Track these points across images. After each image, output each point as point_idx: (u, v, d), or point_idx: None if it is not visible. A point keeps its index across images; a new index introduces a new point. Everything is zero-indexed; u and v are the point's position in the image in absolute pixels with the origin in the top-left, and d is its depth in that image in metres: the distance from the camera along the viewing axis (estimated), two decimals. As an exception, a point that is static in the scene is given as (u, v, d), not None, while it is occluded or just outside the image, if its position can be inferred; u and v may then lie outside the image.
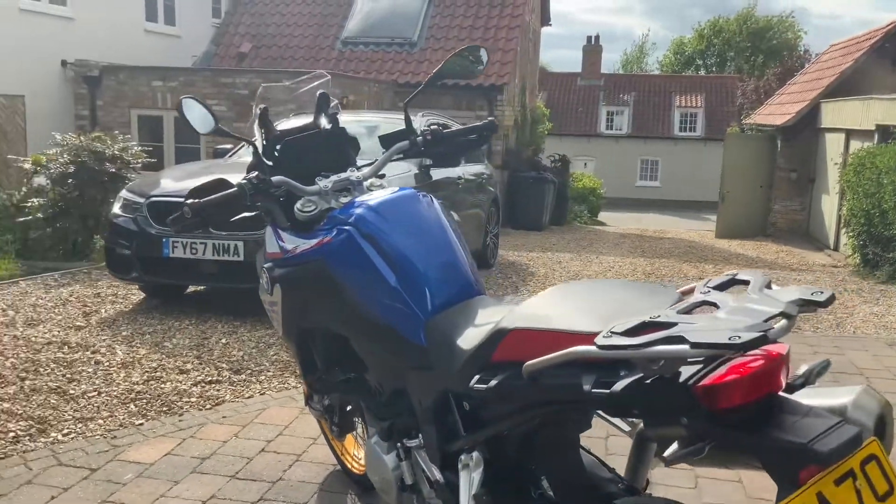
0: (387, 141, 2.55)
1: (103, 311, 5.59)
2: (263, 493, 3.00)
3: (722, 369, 1.30)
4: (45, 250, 7.79)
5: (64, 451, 3.30)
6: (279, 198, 2.37)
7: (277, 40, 16.03)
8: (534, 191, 14.80)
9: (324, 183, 2.40)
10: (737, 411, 1.29)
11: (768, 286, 1.43)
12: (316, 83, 2.75)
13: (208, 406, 3.88)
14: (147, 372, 4.29)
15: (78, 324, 5.19)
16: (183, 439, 3.47)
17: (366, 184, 2.46)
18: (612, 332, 1.35)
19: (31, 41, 11.54)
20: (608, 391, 1.38)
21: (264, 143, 2.52)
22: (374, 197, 2.23)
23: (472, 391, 1.67)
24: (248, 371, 4.39)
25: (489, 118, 2.71)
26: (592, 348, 1.35)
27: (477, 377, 1.67)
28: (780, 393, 1.38)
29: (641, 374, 1.35)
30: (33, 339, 4.77)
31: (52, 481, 3.03)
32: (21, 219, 7.75)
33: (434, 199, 2.28)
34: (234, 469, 3.20)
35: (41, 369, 4.22)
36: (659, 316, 1.36)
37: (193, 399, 3.94)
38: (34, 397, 3.83)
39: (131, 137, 9.99)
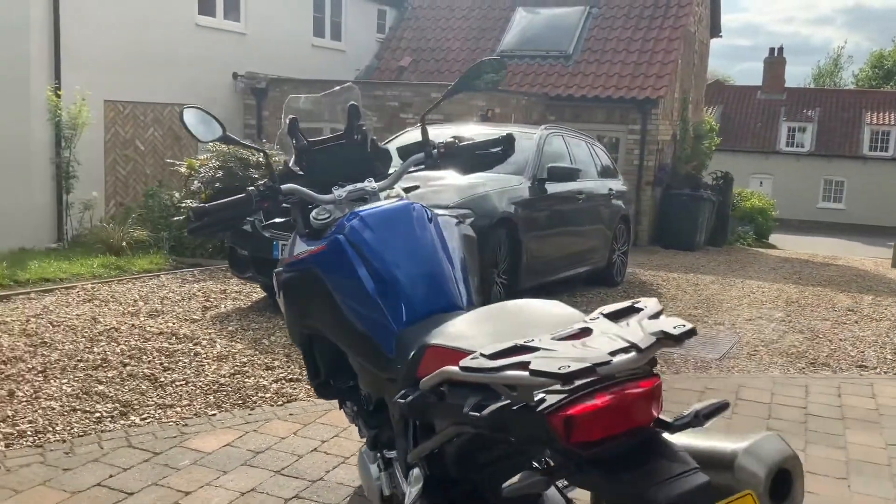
0: (405, 153, 2.57)
1: (222, 306, 5.97)
2: (300, 490, 3.09)
3: (585, 401, 1.22)
4: (194, 248, 8.42)
5: (137, 433, 3.55)
6: (284, 205, 2.43)
7: (436, 54, 16.42)
8: (687, 209, 14.19)
9: (339, 192, 2.45)
10: (600, 446, 1.21)
11: (656, 315, 1.32)
12: (345, 95, 2.80)
13: (280, 402, 4.04)
14: (236, 366, 4.53)
15: (194, 317, 5.57)
16: (245, 432, 3.63)
17: (382, 195, 2.48)
18: (481, 354, 1.30)
19: (205, 54, 12.52)
20: (479, 414, 1.33)
21: (295, 152, 2.60)
22: (369, 207, 2.25)
23: (395, 405, 1.66)
24: (329, 373, 4.52)
25: (507, 133, 2.66)
26: (456, 369, 1.31)
27: (402, 392, 1.65)
28: (665, 434, 1.26)
29: (508, 401, 1.30)
30: (149, 328, 5.17)
31: (117, 461, 3.27)
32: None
33: (430, 211, 2.26)
34: (282, 465, 3.31)
35: (144, 357, 4.58)
36: (532, 340, 1.29)
37: (269, 395, 4.12)
38: (128, 382, 4.16)
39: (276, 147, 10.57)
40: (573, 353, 1.21)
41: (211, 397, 4.05)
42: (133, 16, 11.34)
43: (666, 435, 1.27)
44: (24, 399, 3.82)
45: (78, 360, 4.43)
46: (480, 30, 16.45)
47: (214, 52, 12.75)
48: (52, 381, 4.10)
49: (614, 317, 1.35)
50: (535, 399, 1.27)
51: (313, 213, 2.40)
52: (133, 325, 5.23)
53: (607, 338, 1.25)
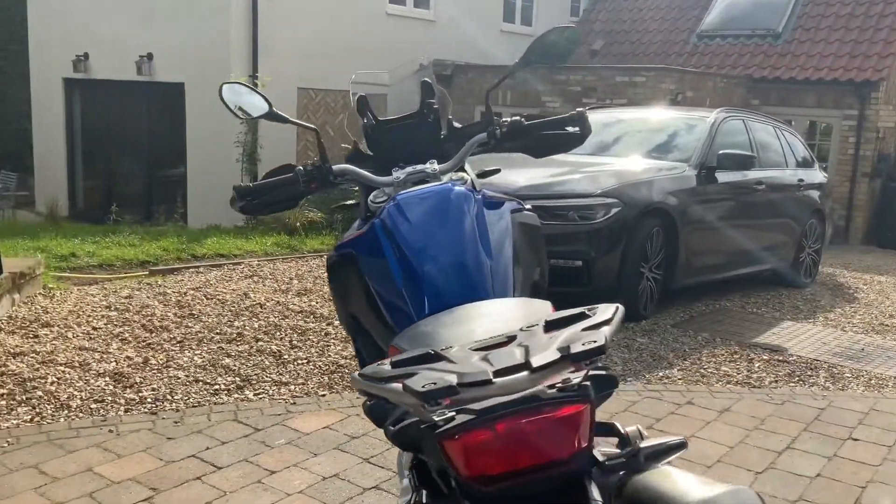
0: (470, 132, 2.37)
1: (369, 288, 6.04)
2: (381, 481, 3.01)
3: (483, 427, 1.00)
4: (362, 229, 8.65)
5: (246, 408, 3.64)
6: (338, 185, 2.32)
7: (630, 36, 15.78)
8: (910, 204, 12.62)
9: (398, 174, 2.30)
10: (504, 482, 0.99)
11: (597, 326, 1.06)
12: (415, 72, 2.64)
13: (391, 389, 3.98)
14: (361, 349, 4.54)
15: (338, 298, 5.68)
16: (348, 416, 3.61)
17: (444, 178, 2.30)
18: (389, 361, 1.11)
19: (395, 42, 12.82)
20: (392, 429, 1.15)
21: (363, 131, 2.49)
22: (409, 191, 2.09)
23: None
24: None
25: (579, 109, 2.36)
26: (357, 377, 1.13)
27: None
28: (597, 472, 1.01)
29: (416, 418, 1.10)
30: (291, 306, 5.33)
31: (218, 434, 3.36)
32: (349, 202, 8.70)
33: (475, 195, 2.05)
34: (371, 453, 3.25)
35: (277, 333, 4.71)
36: (445, 349, 1.08)
37: (382, 381, 4.07)
38: (254, 357, 4.29)
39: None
40: (469, 368, 0.99)
41: (326, 378, 4.08)
42: (326, 6, 11.84)
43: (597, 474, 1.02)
44: (156, 367, 4.04)
45: (216, 333, 4.64)
46: (680, 9, 15.56)
47: (403, 39, 13.02)
48: (186, 351, 4.31)
49: (557, 325, 1.11)
50: (441, 418, 1.06)
51: (371, 196, 2.28)
52: (278, 301, 5.41)
53: (517, 350, 1.02)
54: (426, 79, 2.49)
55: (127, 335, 4.49)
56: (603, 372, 1.19)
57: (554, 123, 2.28)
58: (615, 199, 5.19)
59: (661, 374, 4.38)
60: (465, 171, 2.42)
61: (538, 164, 6.17)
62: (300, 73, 11.55)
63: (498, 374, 0.96)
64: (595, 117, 7.16)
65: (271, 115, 2.21)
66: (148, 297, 5.26)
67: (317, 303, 5.47)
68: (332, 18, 11.85)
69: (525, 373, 0.95)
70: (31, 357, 4.02)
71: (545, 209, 5.13)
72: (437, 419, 1.04)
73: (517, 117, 2.32)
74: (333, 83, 12.12)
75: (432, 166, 2.29)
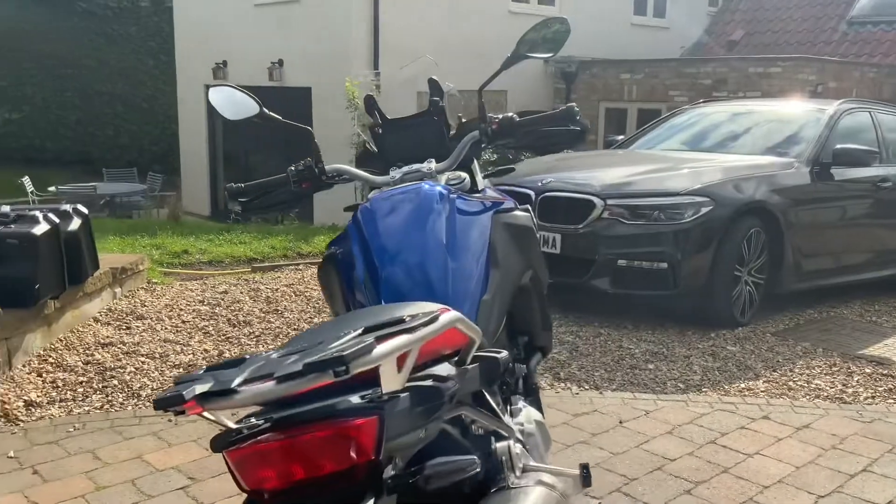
0: (465, 130, 2.30)
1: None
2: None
3: (259, 439, 0.96)
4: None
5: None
6: (330, 185, 2.31)
7: (773, 25, 14.89)
8: None
9: (394, 173, 2.27)
10: (286, 498, 0.95)
11: (412, 330, 0.99)
12: (420, 69, 2.59)
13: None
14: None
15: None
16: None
17: (441, 177, 2.23)
18: (206, 366, 1.09)
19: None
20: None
21: (376, 129, 2.48)
22: (385, 191, 2.05)
23: None
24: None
25: (569, 104, 2.21)
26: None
27: None
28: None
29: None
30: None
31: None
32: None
33: (448, 196, 1.98)
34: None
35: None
36: (266, 353, 1.05)
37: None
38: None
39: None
40: (229, 376, 0.94)
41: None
42: (449, 5, 11.92)
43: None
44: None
45: (294, 329, 4.77)
46: (828, -5, 14.54)
47: (527, 37, 12.87)
48: (260, 346, 4.46)
49: (374, 329, 1.04)
50: (238, 426, 1.02)
51: (369, 195, 2.26)
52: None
53: (290, 358, 0.96)
54: (433, 76, 2.43)
55: (210, 329, 4.70)
56: (427, 383, 1.10)
57: (545, 120, 2.17)
58: (706, 198, 4.89)
59: (742, 385, 4.09)
60: (472, 169, 2.36)
61: (631, 161, 5.95)
62: (421, 74, 11.69)
63: (247, 381, 0.90)
64: (704, 111, 6.86)
65: (262, 117, 2.23)
66: (241, 293, 5.49)
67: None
68: (452, 19, 11.92)
69: (270, 384, 0.89)
70: (118, 347, 4.29)
71: (628, 208, 4.93)
72: (233, 427, 1.01)
73: (510, 114, 2.22)
74: (455, 83, 12.17)
75: (429, 165, 2.24)
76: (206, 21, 13.56)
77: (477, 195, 2.14)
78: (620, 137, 7.25)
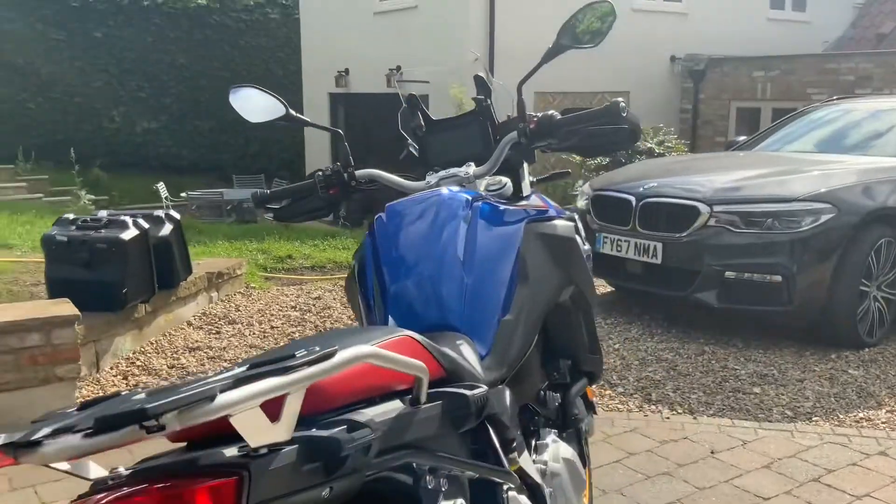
0: (504, 130, 2.09)
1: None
2: None
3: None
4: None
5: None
6: (359, 191, 2.16)
7: (928, 14, 13.63)
8: None
9: (430, 178, 2.10)
10: None
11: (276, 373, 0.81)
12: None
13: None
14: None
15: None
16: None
17: (479, 182, 2.03)
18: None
19: (641, 39, 12.23)
20: None
21: (418, 131, 2.31)
22: (408, 197, 1.87)
23: None
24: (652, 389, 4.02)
25: (616, 99, 1.94)
26: None
27: None
28: None
29: None
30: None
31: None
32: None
33: (473, 204, 1.77)
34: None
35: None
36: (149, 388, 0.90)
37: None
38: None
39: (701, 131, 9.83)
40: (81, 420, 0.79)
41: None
42: (565, 7, 11.59)
43: None
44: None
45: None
46: None
47: (651, 35, 12.39)
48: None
49: (260, 366, 0.86)
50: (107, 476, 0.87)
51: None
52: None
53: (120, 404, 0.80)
54: (479, 73, 2.23)
55: (297, 335, 4.67)
56: (324, 433, 0.91)
57: (588, 118, 1.92)
58: (827, 204, 4.41)
59: (860, 415, 3.63)
60: (521, 174, 2.15)
61: (748, 164, 5.49)
62: (537, 77, 11.34)
63: (55, 433, 0.75)
64: (842, 107, 6.23)
65: (288, 118, 2.10)
66: (333, 299, 5.46)
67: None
68: (571, 19, 11.59)
69: (78, 436, 0.74)
70: (204, 352, 4.33)
71: (738, 215, 4.53)
72: (97, 479, 0.86)
73: (550, 112, 1.99)
74: (574, 85, 11.87)
75: (468, 169, 2.05)
76: (330, 31, 13.86)
77: (516, 203, 1.93)
78: (742, 138, 6.74)
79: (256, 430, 0.79)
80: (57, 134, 13.62)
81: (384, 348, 1.10)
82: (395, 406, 1.05)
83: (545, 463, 1.66)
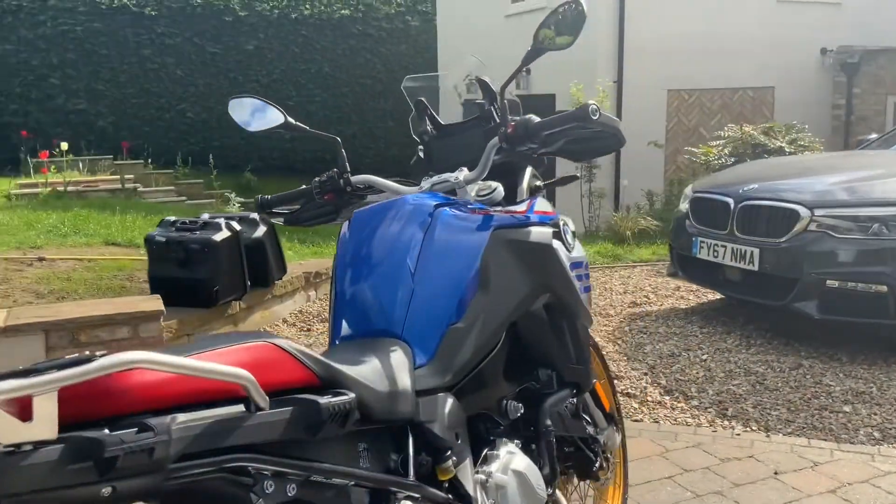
0: (489, 135, 2.06)
1: (654, 305, 5.56)
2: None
3: None
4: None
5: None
6: (354, 197, 2.19)
7: None
8: None
9: (424, 183, 2.11)
10: None
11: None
12: (465, 69, 2.37)
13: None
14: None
15: (609, 311, 5.34)
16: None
17: (469, 188, 2.02)
18: None
19: (787, 32, 11.53)
20: None
21: (424, 136, 2.33)
22: (373, 204, 1.89)
23: None
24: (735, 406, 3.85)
25: (589, 102, 1.84)
26: None
27: None
28: None
29: None
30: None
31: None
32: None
33: (436, 210, 1.77)
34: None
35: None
36: None
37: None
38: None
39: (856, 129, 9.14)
40: None
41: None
42: (704, 4, 11.12)
43: None
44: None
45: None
46: None
47: (799, 27, 11.64)
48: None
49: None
50: None
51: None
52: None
53: None
54: (484, 77, 2.22)
55: (382, 335, 4.78)
56: (88, 434, 0.93)
57: (560, 121, 1.86)
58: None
59: (958, 441, 3.27)
60: (521, 177, 2.13)
61: (865, 165, 5.08)
62: (670, 74, 11.05)
63: None
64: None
65: (287, 126, 2.17)
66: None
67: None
68: (710, 15, 11.10)
69: None
70: (291, 348, 4.52)
71: (843, 219, 4.21)
72: None
73: (528, 116, 1.95)
74: (712, 82, 11.37)
75: (459, 175, 2.05)
76: (463, 36, 14.01)
77: (505, 207, 1.90)
78: (873, 136, 6.22)
79: (5, 428, 0.85)
80: (213, 141, 14.58)
81: (234, 354, 1.14)
82: (220, 411, 1.07)
83: (489, 474, 1.63)
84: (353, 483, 1.27)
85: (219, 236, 4.29)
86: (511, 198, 2.05)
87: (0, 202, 8.31)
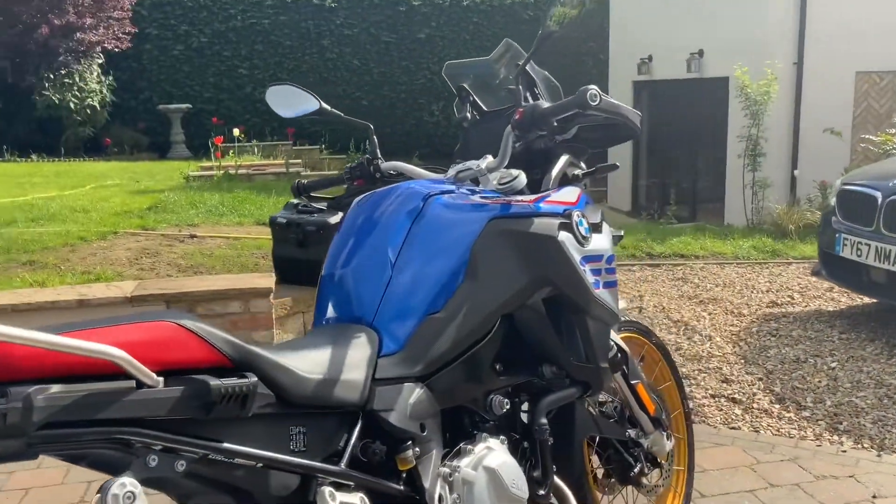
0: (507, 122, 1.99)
1: (795, 305, 5.14)
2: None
3: None
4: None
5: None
6: (383, 183, 2.19)
7: None
8: None
9: (451, 171, 2.09)
10: None
11: None
12: (505, 55, 2.28)
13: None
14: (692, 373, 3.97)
15: (742, 311, 4.99)
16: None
17: (491, 176, 1.97)
18: None
19: None
20: None
21: (467, 123, 2.30)
22: (377, 190, 1.89)
23: None
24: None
25: (587, 87, 1.69)
26: None
27: None
28: None
29: None
30: (674, 314, 4.90)
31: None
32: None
33: (431, 198, 1.74)
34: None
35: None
36: None
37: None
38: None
39: None
40: None
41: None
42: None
43: None
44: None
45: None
46: None
47: None
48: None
49: None
50: None
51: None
52: (665, 308, 5.03)
53: None
54: (520, 63, 2.15)
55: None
56: None
57: (561, 108, 1.77)
58: None
59: None
60: (553, 166, 2.04)
61: None
62: (859, 56, 10.06)
63: None
64: None
65: (321, 112, 2.20)
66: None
67: (706, 316, 4.89)
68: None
69: None
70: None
71: None
72: None
73: (537, 102, 1.86)
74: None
75: (483, 162, 2.01)
76: (635, 17, 13.54)
77: (530, 196, 1.84)
78: None
79: None
80: (385, 127, 15.12)
81: (126, 332, 1.18)
82: (100, 386, 1.11)
83: (456, 468, 1.59)
84: (260, 465, 1.28)
85: (334, 219, 4.42)
86: (537, 187, 1.99)
87: (179, 183, 9.09)
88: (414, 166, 2.15)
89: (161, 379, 1.17)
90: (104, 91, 13.65)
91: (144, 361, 1.14)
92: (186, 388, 1.18)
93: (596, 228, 1.94)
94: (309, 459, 1.37)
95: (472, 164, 1.97)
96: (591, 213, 1.98)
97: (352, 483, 1.41)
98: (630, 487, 2.27)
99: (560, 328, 1.84)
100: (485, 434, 1.69)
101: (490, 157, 1.96)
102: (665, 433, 2.31)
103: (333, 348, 1.49)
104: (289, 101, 2.25)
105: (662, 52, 12.69)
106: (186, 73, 14.87)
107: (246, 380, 1.24)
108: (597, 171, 2.24)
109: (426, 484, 1.53)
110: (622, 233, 2.31)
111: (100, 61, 13.68)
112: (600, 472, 2.30)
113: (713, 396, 3.66)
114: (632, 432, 2.25)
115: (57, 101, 12.62)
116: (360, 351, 1.53)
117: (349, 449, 1.44)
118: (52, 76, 12.75)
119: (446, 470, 1.59)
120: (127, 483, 1.08)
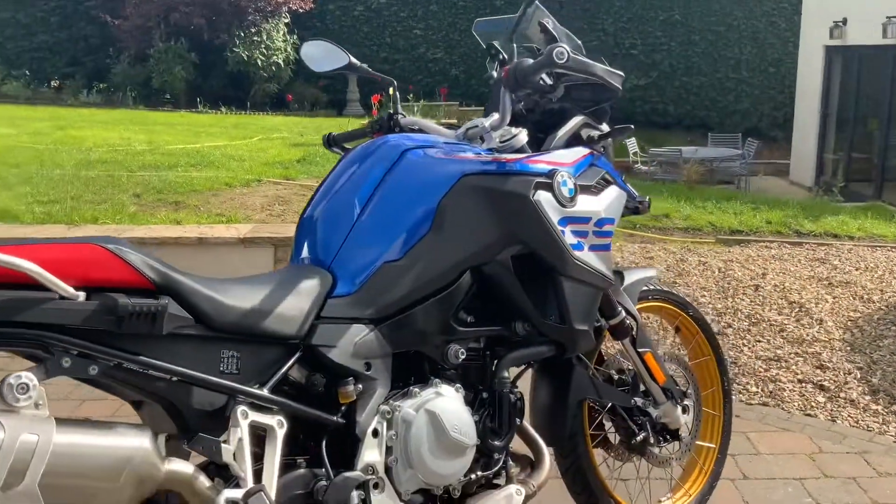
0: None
1: None
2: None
3: None
4: None
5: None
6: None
7: None
8: None
9: (461, 129, 2.13)
10: None
11: None
12: (528, 14, 2.24)
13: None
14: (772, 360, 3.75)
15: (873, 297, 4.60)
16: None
17: (494, 134, 1.99)
18: None
19: None
20: None
21: (493, 81, 2.32)
22: (367, 141, 1.97)
23: None
24: None
25: (552, 45, 1.62)
26: None
27: None
28: None
29: None
30: (793, 295, 4.60)
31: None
32: None
33: (408, 151, 1.80)
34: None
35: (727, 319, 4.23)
36: None
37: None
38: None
39: None
40: None
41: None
42: None
43: None
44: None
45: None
46: None
47: None
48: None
49: None
50: None
51: None
52: (785, 288, 4.73)
53: None
54: (544, 20, 2.14)
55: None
56: None
57: (537, 66, 1.76)
58: None
59: None
60: (570, 125, 2.03)
61: None
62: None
63: None
64: None
65: (350, 67, 2.28)
66: (694, 264, 5.28)
67: (821, 303, 4.54)
68: None
69: None
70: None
71: None
72: None
73: (520, 60, 1.85)
74: None
75: (488, 121, 2.06)
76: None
77: (528, 155, 1.87)
78: None
79: None
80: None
81: (55, 250, 1.35)
82: (16, 294, 1.29)
83: (397, 408, 1.67)
84: (175, 379, 1.43)
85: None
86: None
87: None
88: (432, 123, 2.21)
89: (82, 294, 1.34)
90: (289, 49, 14.52)
91: (63, 277, 1.31)
92: (99, 302, 1.34)
93: (586, 190, 1.92)
94: (239, 383, 1.51)
95: (477, 121, 2.01)
96: (589, 176, 1.96)
97: (274, 407, 1.53)
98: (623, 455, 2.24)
99: (534, 287, 1.85)
100: (437, 380, 1.75)
101: (496, 115, 1.98)
102: (679, 405, 2.26)
103: (277, 285, 1.61)
104: (322, 56, 2.35)
105: (857, 15, 11.63)
106: (365, 33, 15.49)
107: (156, 301, 1.39)
108: (610, 134, 2.20)
109: (361, 418, 1.63)
110: (647, 199, 2.25)
111: (286, 20, 14.55)
112: (612, 438, 2.29)
113: (800, 381, 3.46)
114: (639, 400, 2.22)
115: (245, 58, 13.61)
116: (306, 289, 1.63)
117: (276, 376, 1.56)
118: (242, 34, 13.74)
119: (386, 408, 1.67)
120: (23, 375, 1.26)
